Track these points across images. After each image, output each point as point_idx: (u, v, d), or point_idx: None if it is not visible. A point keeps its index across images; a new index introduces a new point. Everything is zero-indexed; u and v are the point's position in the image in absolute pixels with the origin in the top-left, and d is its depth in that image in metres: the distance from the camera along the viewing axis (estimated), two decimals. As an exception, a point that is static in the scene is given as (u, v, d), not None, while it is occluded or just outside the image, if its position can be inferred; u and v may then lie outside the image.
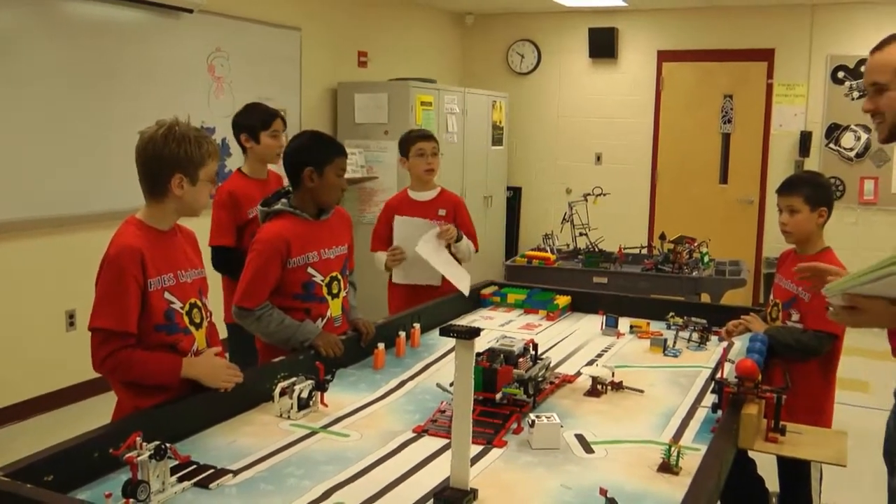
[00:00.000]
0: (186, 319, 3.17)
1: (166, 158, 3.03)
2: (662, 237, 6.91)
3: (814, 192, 4.11)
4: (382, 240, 5.26)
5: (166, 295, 3.10)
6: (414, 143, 5.27)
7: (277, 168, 4.70)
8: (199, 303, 3.25)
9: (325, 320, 3.92)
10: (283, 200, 3.94)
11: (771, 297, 4.37)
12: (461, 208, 5.35)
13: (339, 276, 4.00)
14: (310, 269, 3.86)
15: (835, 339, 3.97)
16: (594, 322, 4.73)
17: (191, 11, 7.34)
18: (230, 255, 4.85)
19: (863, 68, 9.49)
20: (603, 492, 2.40)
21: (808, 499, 4.26)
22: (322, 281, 3.91)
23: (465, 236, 5.15)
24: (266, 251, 3.78)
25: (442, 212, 5.21)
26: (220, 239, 4.95)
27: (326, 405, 3.27)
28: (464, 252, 5.17)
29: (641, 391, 3.53)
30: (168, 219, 3.18)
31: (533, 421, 2.90)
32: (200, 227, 3.71)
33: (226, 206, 4.96)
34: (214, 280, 3.71)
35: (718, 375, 3.25)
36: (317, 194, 3.91)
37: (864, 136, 9.98)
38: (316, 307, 3.90)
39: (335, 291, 3.98)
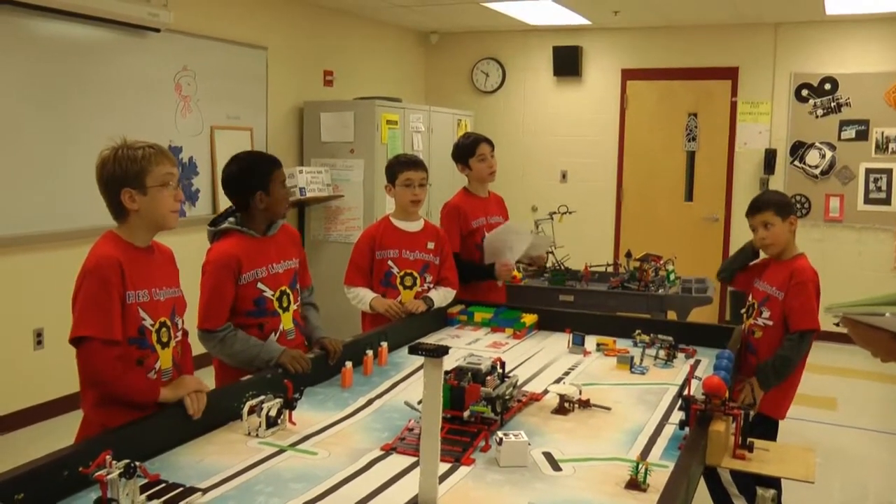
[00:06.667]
0: (154, 337, 3.20)
1: (110, 179, 3.13)
2: (628, 255, 6.93)
3: (780, 204, 4.52)
4: (363, 272, 5.00)
5: (139, 311, 3.13)
6: (401, 171, 5.02)
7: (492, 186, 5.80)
8: (168, 322, 3.27)
9: (278, 334, 3.95)
10: (231, 219, 3.97)
11: (750, 298, 4.70)
12: (447, 245, 5.21)
13: (289, 290, 4.04)
14: (259, 285, 3.90)
15: (813, 332, 4.34)
16: (561, 340, 4.74)
17: (157, 31, 7.33)
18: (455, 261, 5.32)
19: (826, 86, 9.69)
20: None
21: None
22: (272, 295, 3.94)
23: (440, 287, 5.11)
24: (217, 271, 3.82)
25: (430, 244, 5.08)
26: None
27: (294, 423, 3.26)
28: (440, 303, 5.08)
29: (608, 409, 3.54)
30: (140, 235, 3.22)
31: (501, 439, 2.91)
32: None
33: (453, 217, 5.51)
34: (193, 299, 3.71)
35: (686, 392, 3.26)
36: (270, 212, 4.00)
37: (828, 154, 10.06)
38: (269, 322, 3.93)
39: (285, 305, 4.01)
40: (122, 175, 3.10)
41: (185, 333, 3.45)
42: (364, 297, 4.93)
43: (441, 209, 5.62)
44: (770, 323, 4.44)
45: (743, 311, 4.71)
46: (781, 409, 4.50)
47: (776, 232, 4.47)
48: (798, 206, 10.05)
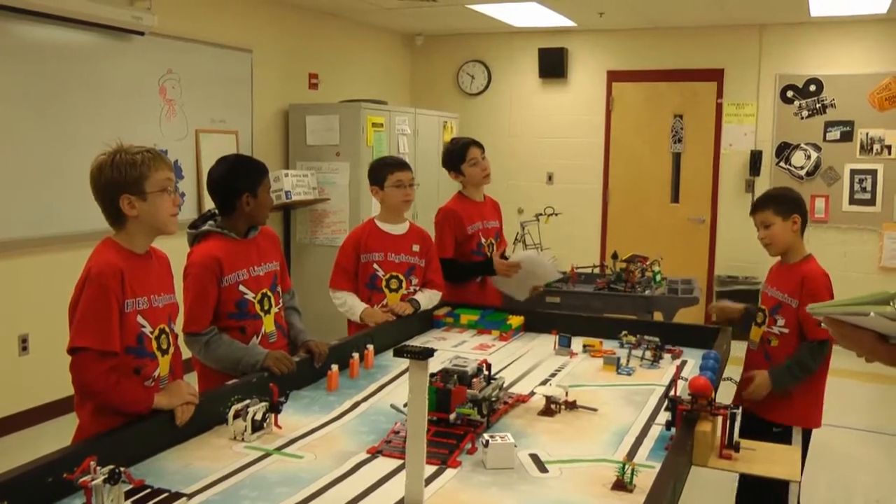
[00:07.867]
0: (154, 345, 3.18)
1: (109, 185, 3.08)
2: (615, 256, 6.92)
3: (781, 202, 4.38)
4: (348, 275, 4.96)
5: (139, 318, 3.11)
6: (391, 172, 4.97)
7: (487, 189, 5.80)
8: (167, 329, 3.27)
9: (260, 336, 3.94)
10: (210, 222, 3.96)
11: (760, 304, 4.57)
12: (432, 247, 5.20)
13: (270, 293, 4.03)
14: (241, 287, 3.89)
15: (829, 341, 4.18)
16: (547, 342, 4.74)
17: (142, 34, 7.30)
18: (451, 265, 5.39)
19: (812, 87, 9.71)
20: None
21: None
22: (254, 298, 3.93)
23: (426, 290, 5.09)
24: (201, 273, 3.81)
25: (416, 247, 5.05)
26: (442, 252, 5.36)
27: (280, 427, 3.25)
28: (426, 305, 5.05)
29: (595, 410, 3.54)
30: (138, 241, 3.19)
31: (487, 441, 2.91)
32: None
33: (447, 221, 5.47)
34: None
35: (672, 393, 3.26)
36: (253, 216, 3.98)
37: (814, 155, 10.10)
38: (251, 324, 3.92)
39: (267, 307, 4.00)
40: (122, 180, 3.06)
41: (176, 338, 3.44)
42: (353, 307, 4.88)
43: (435, 214, 5.59)
44: (786, 331, 4.32)
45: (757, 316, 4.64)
46: (815, 418, 4.44)
47: (775, 232, 4.34)
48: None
